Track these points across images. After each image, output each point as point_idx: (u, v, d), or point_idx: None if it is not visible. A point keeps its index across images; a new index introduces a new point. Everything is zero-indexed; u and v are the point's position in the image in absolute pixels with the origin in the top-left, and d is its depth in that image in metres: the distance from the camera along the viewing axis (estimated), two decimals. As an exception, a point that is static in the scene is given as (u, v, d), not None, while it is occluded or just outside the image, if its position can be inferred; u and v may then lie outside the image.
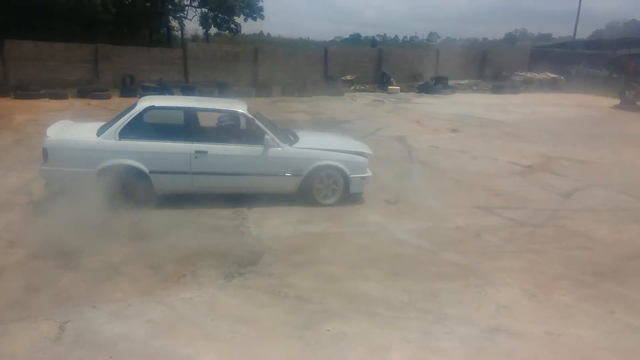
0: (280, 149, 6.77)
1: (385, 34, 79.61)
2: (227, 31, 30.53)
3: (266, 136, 6.70)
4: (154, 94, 17.08)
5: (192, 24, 31.04)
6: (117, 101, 15.96)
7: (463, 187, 8.29)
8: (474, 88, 24.19)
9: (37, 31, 17.53)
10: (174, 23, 29.44)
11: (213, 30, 30.85)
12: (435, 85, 22.55)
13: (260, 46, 24.11)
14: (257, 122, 6.84)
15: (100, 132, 6.45)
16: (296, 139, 7.25)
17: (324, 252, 5.55)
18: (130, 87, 17.62)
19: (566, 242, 6.12)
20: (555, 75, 25.32)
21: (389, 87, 22.30)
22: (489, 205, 7.36)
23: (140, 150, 6.36)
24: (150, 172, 6.39)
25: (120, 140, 6.33)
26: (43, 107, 14.40)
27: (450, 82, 23.45)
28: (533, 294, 4.84)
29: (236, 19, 30.08)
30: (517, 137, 12.63)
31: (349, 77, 22.56)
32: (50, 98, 15.62)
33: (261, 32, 43.07)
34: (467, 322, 4.32)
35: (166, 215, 6.31)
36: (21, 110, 13.80)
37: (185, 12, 29.01)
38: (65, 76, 17.47)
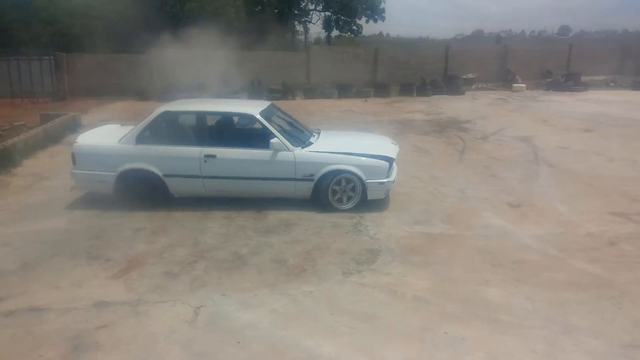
0: (289, 153, 6.62)
1: (510, 29, 75.42)
2: (348, 33, 31.05)
3: (273, 139, 6.58)
4: (276, 95, 17.92)
5: (315, 28, 31.99)
6: (244, 104, 16.91)
7: (596, 191, 7.69)
8: (611, 84, 22.21)
9: (178, 39, 19.12)
10: (299, 27, 30.58)
11: (335, 32, 31.54)
12: (566, 82, 21.04)
13: (380, 47, 24.19)
14: (267, 124, 6.74)
15: (122, 138, 6.81)
16: (313, 141, 7.07)
17: (442, 253, 5.49)
18: (257, 90, 18.61)
19: None
20: None
21: (514, 84, 21.23)
22: (626, 212, 6.77)
23: (154, 154, 6.63)
24: (163, 175, 6.65)
25: (136, 145, 6.66)
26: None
27: (583, 79, 21.73)
28: (676, 311, 4.39)
29: (358, 21, 30.47)
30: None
31: (470, 76, 21.83)
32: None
33: (381, 33, 43.25)
34: (599, 335, 4.04)
35: (288, 214, 6.63)
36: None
37: (310, 17, 29.99)
38: (202, 81, 18.88)
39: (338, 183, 6.69)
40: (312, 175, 6.66)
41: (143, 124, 6.79)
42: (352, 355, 3.75)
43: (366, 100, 18.05)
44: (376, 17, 29.89)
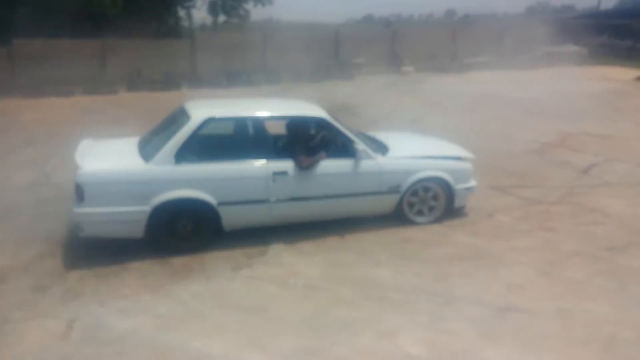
0: (374, 162, 5.53)
1: (400, 13, 78.17)
2: (236, 19, 30.46)
3: (357, 146, 5.45)
4: (157, 87, 16.99)
5: (200, 13, 30.78)
6: (124, 96, 16.03)
7: (477, 167, 8.13)
8: (493, 65, 23.73)
9: (44, 29, 17.61)
10: (182, 13, 29.32)
11: (221, 18, 30.79)
12: (452, 64, 22.17)
13: (269, 32, 23.98)
14: (341, 128, 5.56)
15: (147, 154, 5.04)
16: (385, 146, 5.92)
17: (333, 239, 5.54)
18: (138, 82, 17.65)
19: (581, 218, 5.98)
20: (579, 48, 24.66)
21: (403, 67, 22.01)
22: (503, 185, 7.23)
23: (204, 176, 5.01)
24: (219, 204, 5.11)
25: (177, 165, 4.94)
26: (50, 105, 14.50)
27: (467, 60, 23.02)
28: (546, 272, 4.77)
29: (245, 5, 29.95)
30: (537, 114, 12.30)
31: (360, 60, 22.31)
32: (58, 96, 15.69)
33: (271, 18, 42.79)
34: (477, 302, 4.28)
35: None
36: (29, 108, 13.86)
37: (194, 1, 28.91)
38: (72, 73, 17.52)
39: (414, 193, 5.78)
40: (398, 186, 5.67)
41: (181, 135, 5.01)
42: (242, 350, 3.69)
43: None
44: (264, 1, 29.65)
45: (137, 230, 4.94)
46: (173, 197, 4.90)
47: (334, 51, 23.22)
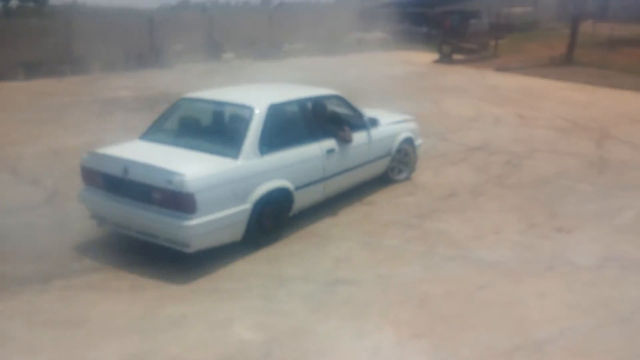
0: (377, 130, 6.22)
1: (217, 0, 76.87)
2: (31, 3, 27.16)
3: (366, 118, 6.11)
4: None
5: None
6: None
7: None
8: (310, 51, 24.64)
9: None
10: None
11: (14, 2, 27.24)
12: (271, 50, 22.51)
13: (74, 18, 21.85)
14: (351, 103, 6.16)
15: (230, 152, 4.74)
16: (373, 116, 6.38)
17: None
18: None
19: (396, 191, 6.50)
20: (384, 35, 26.76)
21: (223, 55, 21.78)
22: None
23: (283, 164, 5.03)
24: (295, 189, 5.13)
25: (262, 157, 4.87)
26: None
27: (286, 47, 23.59)
28: (367, 243, 5.12)
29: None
30: (353, 98, 13.01)
31: (178, 47, 21.53)
32: None
33: (75, 2, 39.01)
34: (308, 280, 4.42)
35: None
36: None
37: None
38: None
39: (398, 153, 6.61)
40: (390, 149, 6.46)
41: (255, 127, 4.85)
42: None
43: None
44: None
45: (239, 232, 4.74)
46: (267, 189, 4.83)
47: (149, 38, 22.02)
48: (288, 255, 4.85)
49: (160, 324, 3.81)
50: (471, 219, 5.68)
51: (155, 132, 5.34)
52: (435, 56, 20.95)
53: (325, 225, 5.50)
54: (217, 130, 5.32)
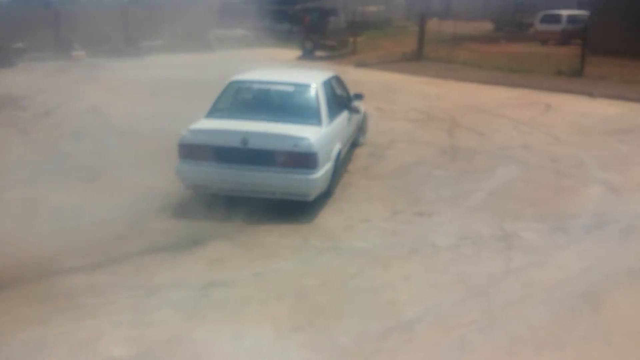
0: (360, 102, 7.61)
1: (62, -6, 70.85)
2: None
3: (353, 94, 7.55)
4: None
5: None
6: None
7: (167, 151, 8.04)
8: (169, 49, 23.71)
9: None
10: None
11: None
12: (128, 47, 21.30)
13: None
14: (344, 82, 7.55)
15: (313, 121, 5.80)
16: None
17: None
18: None
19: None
20: (246, 32, 26.58)
21: (73, 52, 20.15)
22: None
23: (339, 129, 6.39)
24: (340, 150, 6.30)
25: (330, 124, 6.03)
26: None
27: (143, 44, 22.43)
28: (242, 242, 5.04)
29: None
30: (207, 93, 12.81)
31: (21, 45, 19.48)
32: None
33: None
34: (181, 285, 4.25)
35: None
36: None
37: None
38: None
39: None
40: (361, 118, 7.99)
41: (322, 102, 6.06)
42: None
43: None
44: None
45: (327, 183, 5.74)
46: (337, 149, 5.98)
47: (-16, 35, 19.67)
48: (157, 263, 4.62)
49: (14, 351, 3.42)
50: (342, 209, 5.85)
51: (220, 110, 6.12)
52: (298, 53, 21.34)
53: (198, 228, 5.31)
54: (285, 105, 6.15)
